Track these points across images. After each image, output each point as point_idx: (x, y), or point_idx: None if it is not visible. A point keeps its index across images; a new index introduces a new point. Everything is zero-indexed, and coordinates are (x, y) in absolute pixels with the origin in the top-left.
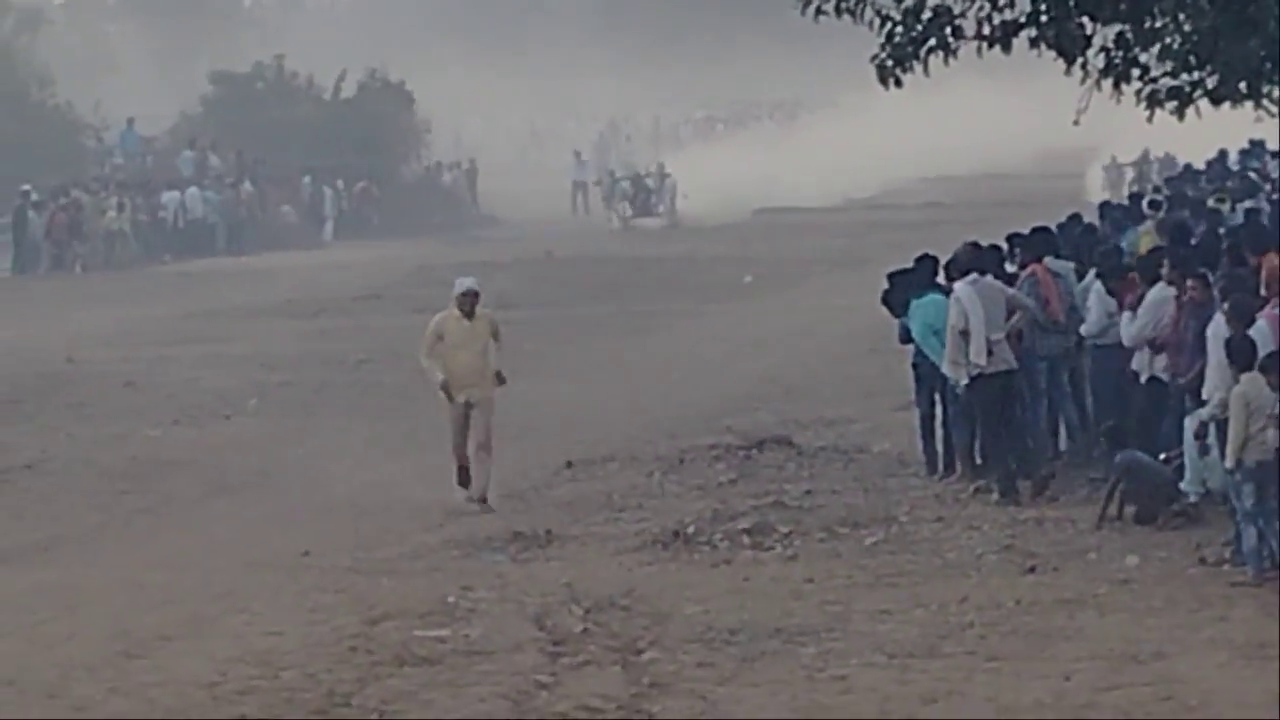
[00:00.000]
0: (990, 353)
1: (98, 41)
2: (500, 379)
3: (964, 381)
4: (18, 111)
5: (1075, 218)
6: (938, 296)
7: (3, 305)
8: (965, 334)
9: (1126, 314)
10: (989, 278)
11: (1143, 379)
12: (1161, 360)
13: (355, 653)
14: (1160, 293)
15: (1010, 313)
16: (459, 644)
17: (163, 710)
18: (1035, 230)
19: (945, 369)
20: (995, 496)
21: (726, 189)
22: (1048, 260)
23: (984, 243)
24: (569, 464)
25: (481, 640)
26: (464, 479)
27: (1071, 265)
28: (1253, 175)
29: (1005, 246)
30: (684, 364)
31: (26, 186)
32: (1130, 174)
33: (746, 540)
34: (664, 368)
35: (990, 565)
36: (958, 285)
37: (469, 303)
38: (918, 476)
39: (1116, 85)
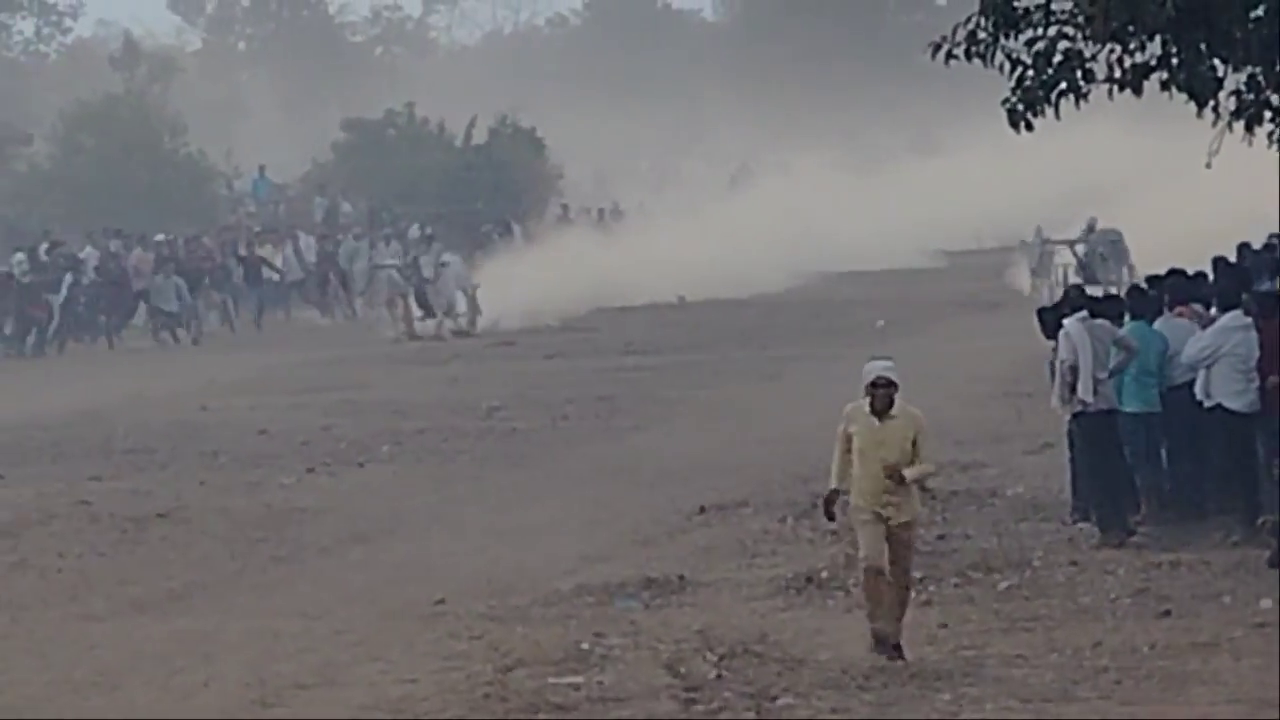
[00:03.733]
0: (1096, 391)
1: (229, 89)
2: (899, 477)
3: (1067, 418)
4: (151, 160)
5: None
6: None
7: (135, 355)
8: (1075, 369)
9: (1196, 334)
10: (1100, 319)
11: (1205, 402)
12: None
13: (489, 700)
14: (1234, 320)
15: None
16: (593, 691)
17: None
18: (1171, 273)
19: (1052, 402)
20: (1095, 537)
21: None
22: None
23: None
24: (702, 509)
25: (615, 687)
26: (885, 641)
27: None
28: None
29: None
30: (817, 408)
31: (161, 236)
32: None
33: None
34: (797, 412)
35: (1124, 609)
36: (1068, 322)
37: (880, 397)
38: (1050, 520)
39: (1248, 128)
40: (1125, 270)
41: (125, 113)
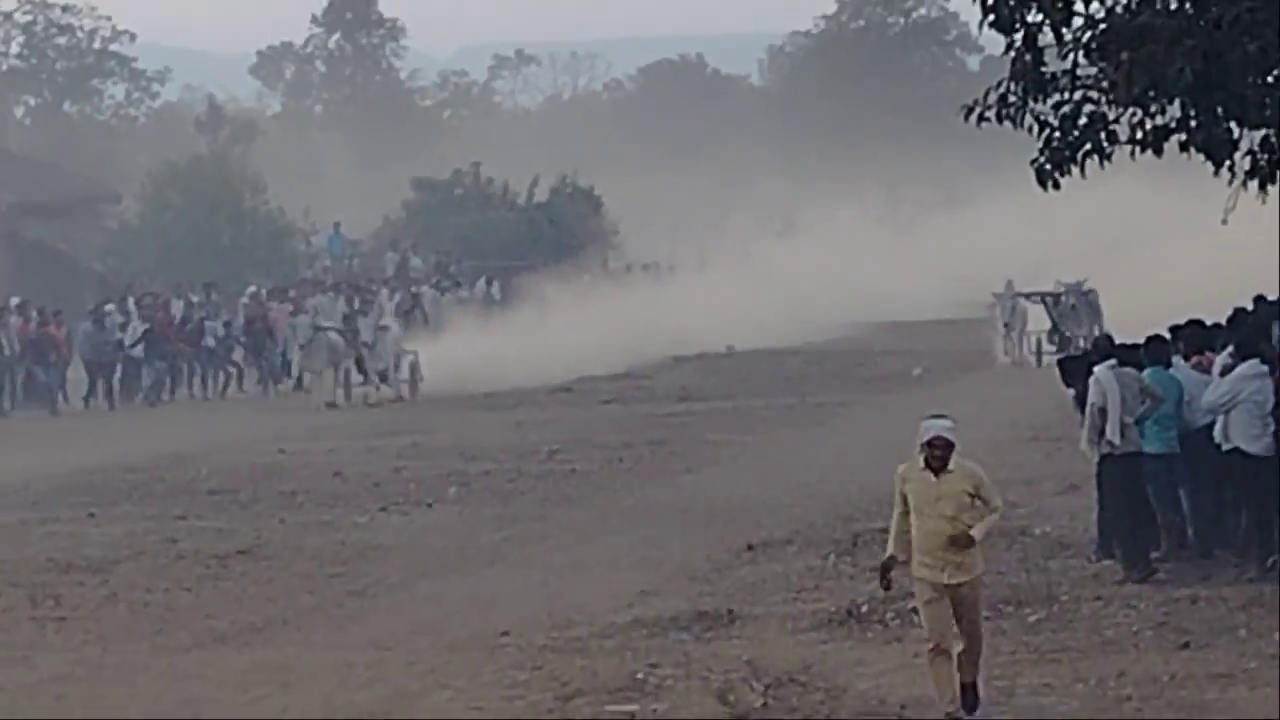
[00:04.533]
0: (1123, 435)
1: (307, 151)
2: (966, 540)
3: (1095, 459)
4: (233, 217)
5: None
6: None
7: (221, 405)
8: (1103, 412)
9: (1215, 381)
10: (1127, 367)
11: (1223, 445)
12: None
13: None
14: (1252, 368)
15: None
16: (647, 718)
17: None
18: (1190, 323)
19: (1081, 445)
20: (1119, 573)
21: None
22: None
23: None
24: (750, 547)
25: (668, 715)
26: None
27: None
28: None
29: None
30: (858, 452)
31: (252, 288)
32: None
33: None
34: (839, 455)
35: (1146, 641)
36: (1098, 369)
37: (937, 458)
38: (1077, 557)
39: (1263, 186)
40: (1096, 325)
41: (209, 172)
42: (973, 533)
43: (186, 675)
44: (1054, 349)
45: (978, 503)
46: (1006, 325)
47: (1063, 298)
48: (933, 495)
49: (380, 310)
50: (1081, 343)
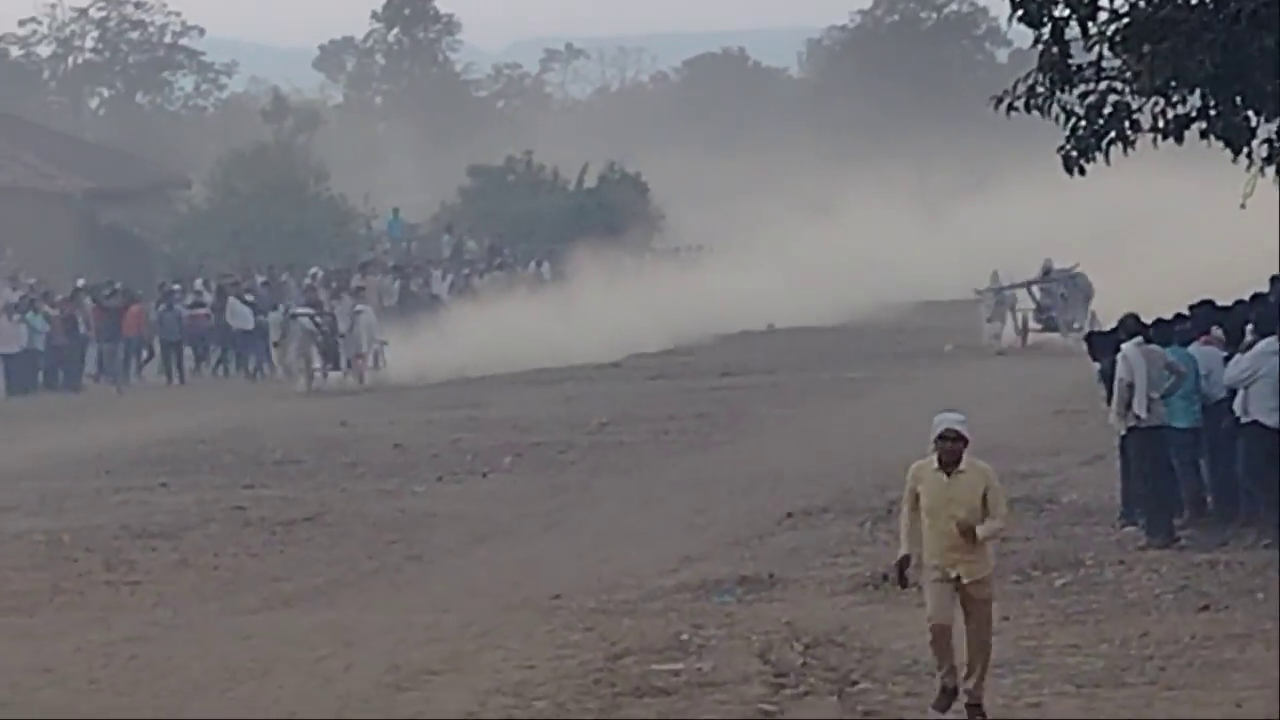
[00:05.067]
0: (1149, 409)
1: (367, 139)
2: (972, 535)
3: (1121, 432)
4: (297, 202)
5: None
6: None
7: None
8: (1130, 387)
9: (1236, 357)
10: (1152, 344)
11: (1242, 418)
12: (1257, 402)
13: (599, 685)
14: (1269, 345)
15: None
16: (692, 677)
17: None
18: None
19: (1110, 418)
20: (1142, 539)
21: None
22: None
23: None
24: (789, 514)
25: (712, 673)
26: (950, 694)
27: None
28: None
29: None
30: (892, 424)
31: (314, 270)
32: (1014, 297)
33: None
34: (875, 427)
35: (1168, 604)
36: (1126, 347)
37: (949, 450)
38: (1101, 524)
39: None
40: (1087, 311)
41: (274, 160)
42: (978, 530)
43: (254, 636)
44: (1040, 328)
45: (988, 506)
46: (989, 319)
47: (1051, 287)
48: (945, 496)
49: (355, 296)
50: (1076, 327)
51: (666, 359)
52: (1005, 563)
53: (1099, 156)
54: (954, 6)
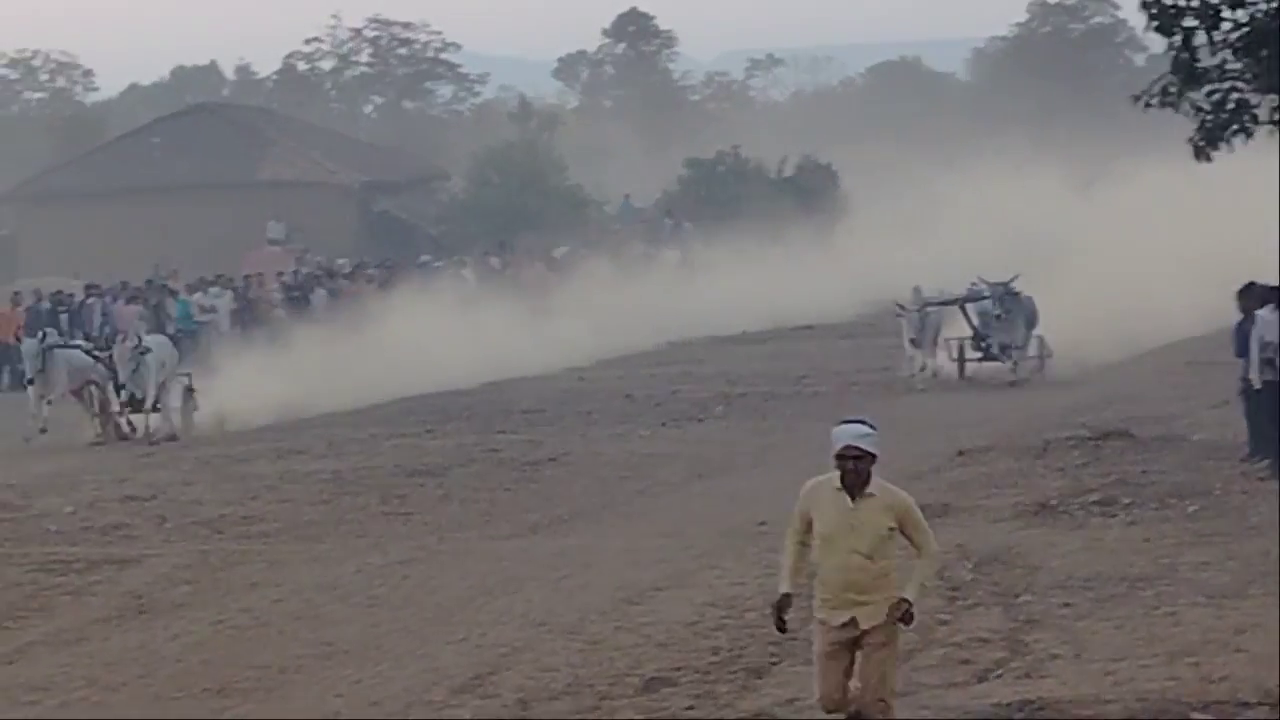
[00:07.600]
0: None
1: (600, 137)
2: (909, 618)
3: (1257, 386)
4: (540, 191)
5: None
6: None
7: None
8: (1267, 345)
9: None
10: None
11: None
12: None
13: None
14: (1270, 314)
15: None
16: None
17: (655, 643)
18: None
19: (1250, 373)
20: (1264, 472)
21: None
22: None
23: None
24: (960, 452)
25: None
26: None
27: None
28: None
29: None
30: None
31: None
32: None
33: (1097, 510)
34: (1034, 379)
35: None
36: (1261, 311)
37: (853, 471)
38: (1228, 460)
39: None
40: (1029, 330)
41: (521, 156)
42: (911, 601)
43: (507, 558)
44: (979, 356)
45: (905, 536)
46: (913, 341)
47: (986, 305)
48: (847, 523)
49: (137, 334)
50: (1014, 349)
51: (853, 322)
52: (1145, 491)
53: (1223, 146)
54: (1098, 19)
